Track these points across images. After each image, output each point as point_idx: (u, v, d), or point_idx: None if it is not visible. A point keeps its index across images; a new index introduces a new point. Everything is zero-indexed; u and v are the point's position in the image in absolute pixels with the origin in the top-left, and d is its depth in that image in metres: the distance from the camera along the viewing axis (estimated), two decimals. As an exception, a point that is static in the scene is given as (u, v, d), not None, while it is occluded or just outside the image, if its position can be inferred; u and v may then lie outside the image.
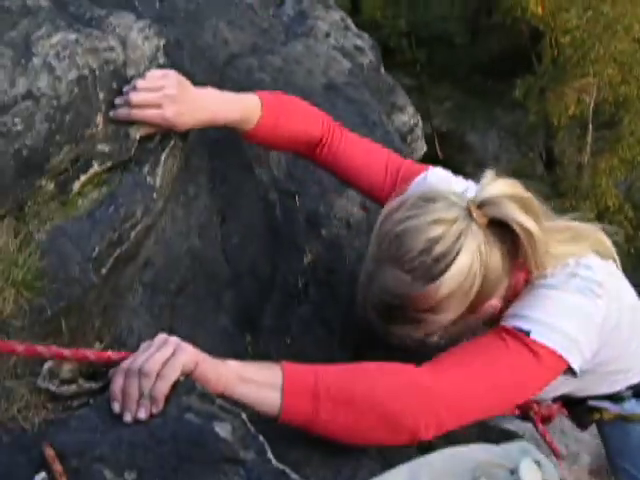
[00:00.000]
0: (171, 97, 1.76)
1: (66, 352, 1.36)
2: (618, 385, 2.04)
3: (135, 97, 1.72)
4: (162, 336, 1.38)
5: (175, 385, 1.31)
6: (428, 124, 20.76)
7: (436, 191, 1.71)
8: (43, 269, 1.53)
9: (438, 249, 1.59)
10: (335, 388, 1.46)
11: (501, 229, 1.65)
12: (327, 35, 3.11)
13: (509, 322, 1.67)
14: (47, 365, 1.41)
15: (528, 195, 1.69)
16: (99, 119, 1.69)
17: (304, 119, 2.01)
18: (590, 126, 18.05)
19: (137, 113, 1.73)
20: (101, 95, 1.70)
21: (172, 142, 1.82)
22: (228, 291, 1.93)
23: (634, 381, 2.04)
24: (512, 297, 1.75)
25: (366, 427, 1.49)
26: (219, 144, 2.07)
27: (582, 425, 2.24)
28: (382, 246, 1.67)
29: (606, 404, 2.10)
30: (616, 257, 1.91)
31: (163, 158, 1.79)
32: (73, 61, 1.67)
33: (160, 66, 1.83)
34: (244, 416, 1.36)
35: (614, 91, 17.38)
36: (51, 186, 1.64)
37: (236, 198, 2.01)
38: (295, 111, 2.00)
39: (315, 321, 2.16)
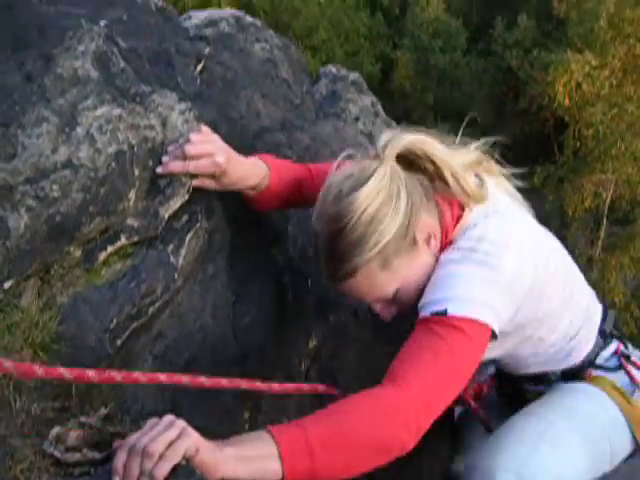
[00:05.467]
0: (222, 146, 1.91)
1: (91, 373, 1.43)
2: (547, 364, 2.13)
3: (193, 149, 1.84)
4: (169, 417, 1.41)
5: (176, 468, 1.34)
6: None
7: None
8: (61, 333, 1.59)
9: (356, 173, 1.82)
10: (325, 438, 1.53)
11: (412, 159, 1.88)
12: (356, 119, 3.17)
13: (426, 311, 1.76)
14: (55, 430, 1.46)
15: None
16: (132, 194, 1.76)
17: (295, 179, 2.13)
18: (605, 221, 18.12)
19: (193, 164, 1.84)
20: (136, 171, 1.77)
21: (198, 224, 1.89)
22: (234, 369, 1.95)
23: (564, 364, 2.13)
24: (445, 244, 1.90)
25: (362, 461, 1.59)
26: (241, 222, 2.12)
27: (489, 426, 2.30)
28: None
29: (540, 389, 2.19)
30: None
31: (188, 239, 1.85)
32: (114, 135, 1.75)
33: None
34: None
35: (631, 189, 17.49)
36: (78, 253, 1.70)
37: (251, 279, 2.06)
38: (290, 176, 2.12)
39: (314, 404, 2.18)
